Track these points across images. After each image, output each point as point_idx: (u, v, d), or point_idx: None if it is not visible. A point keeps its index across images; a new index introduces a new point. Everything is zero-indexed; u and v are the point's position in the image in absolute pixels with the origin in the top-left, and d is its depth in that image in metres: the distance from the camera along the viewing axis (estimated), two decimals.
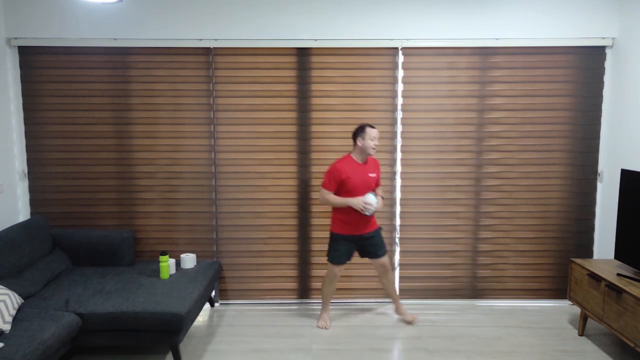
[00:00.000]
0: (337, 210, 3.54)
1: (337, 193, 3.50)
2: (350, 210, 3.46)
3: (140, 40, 3.83)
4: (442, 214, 4.06)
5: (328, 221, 4.05)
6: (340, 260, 3.59)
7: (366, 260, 4.06)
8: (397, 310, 3.83)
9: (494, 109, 3.97)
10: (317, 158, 3.99)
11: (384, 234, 4.08)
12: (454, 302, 4.13)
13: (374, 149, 3.43)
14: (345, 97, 3.95)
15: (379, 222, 4.07)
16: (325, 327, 3.68)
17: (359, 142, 3.44)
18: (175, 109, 3.95)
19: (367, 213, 3.40)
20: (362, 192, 3.45)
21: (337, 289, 4.08)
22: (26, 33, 3.81)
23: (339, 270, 3.64)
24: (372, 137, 3.42)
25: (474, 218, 4.07)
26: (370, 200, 3.38)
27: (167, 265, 3.55)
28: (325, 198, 3.49)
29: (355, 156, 3.49)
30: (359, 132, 3.46)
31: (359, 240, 3.57)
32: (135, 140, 3.97)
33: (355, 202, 3.40)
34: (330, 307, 4.03)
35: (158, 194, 4.02)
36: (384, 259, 3.65)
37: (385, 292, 3.86)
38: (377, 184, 3.60)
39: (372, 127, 3.44)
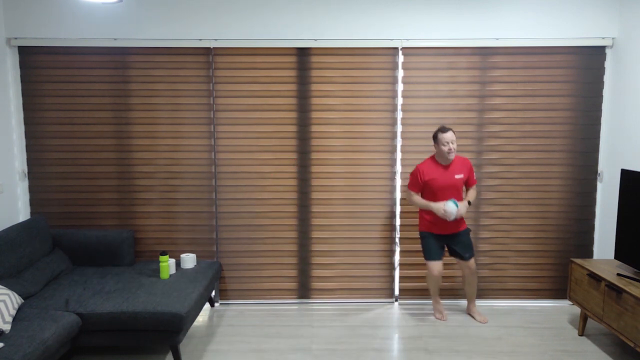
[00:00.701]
0: (424, 210, 3.64)
1: (423, 193, 3.61)
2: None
3: (140, 40, 3.83)
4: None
5: (328, 222, 4.05)
6: (431, 255, 3.66)
7: (366, 260, 4.07)
8: (469, 310, 3.88)
9: (494, 109, 3.97)
10: (317, 158, 3.99)
11: (384, 235, 4.10)
12: (454, 302, 4.13)
13: (449, 152, 3.46)
14: (345, 97, 3.95)
15: (378, 220, 4.08)
16: (441, 319, 3.79)
17: (436, 148, 3.53)
18: (175, 109, 3.95)
19: (447, 219, 3.47)
20: (448, 193, 3.52)
21: (338, 289, 4.08)
22: (26, 33, 3.81)
23: (435, 265, 3.65)
24: (444, 142, 3.47)
25: (474, 218, 4.07)
26: (450, 209, 3.42)
27: (167, 265, 3.55)
28: (411, 199, 3.64)
29: (437, 159, 3.57)
30: (434, 138, 3.55)
31: (445, 239, 3.66)
32: (135, 140, 3.97)
33: (436, 207, 3.49)
34: (330, 307, 4.04)
35: (158, 194, 4.02)
36: (471, 262, 3.68)
37: (464, 292, 3.92)
38: (469, 184, 3.66)
39: (444, 131, 3.47)
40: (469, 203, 3.57)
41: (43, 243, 3.61)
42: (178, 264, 3.82)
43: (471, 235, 4.08)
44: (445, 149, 3.46)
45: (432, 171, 3.55)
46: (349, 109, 3.95)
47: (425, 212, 3.65)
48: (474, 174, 3.69)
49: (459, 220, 3.63)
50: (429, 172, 3.55)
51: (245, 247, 4.08)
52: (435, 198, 3.56)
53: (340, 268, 4.10)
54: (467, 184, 3.67)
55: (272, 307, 4.07)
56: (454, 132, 3.56)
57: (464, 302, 4.11)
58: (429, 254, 3.67)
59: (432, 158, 3.60)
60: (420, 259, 4.10)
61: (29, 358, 2.46)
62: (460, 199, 3.59)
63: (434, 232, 3.64)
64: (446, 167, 3.55)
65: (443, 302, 4.12)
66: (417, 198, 3.60)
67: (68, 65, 3.89)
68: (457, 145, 3.99)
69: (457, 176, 3.54)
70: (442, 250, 3.69)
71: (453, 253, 3.72)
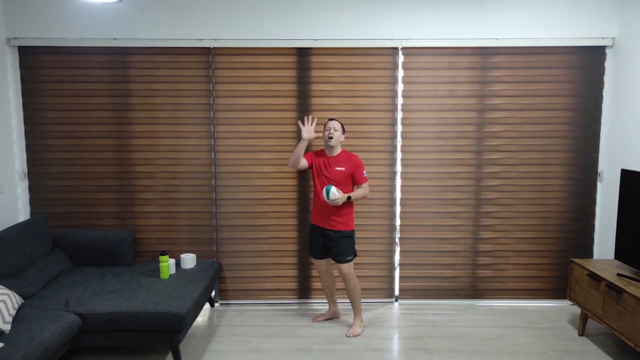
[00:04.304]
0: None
1: (313, 180, 3.56)
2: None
3: (140, 40, 3.83)
4: (442, 214, 4.06)
5: None
6: (310, 251, 3.71)
7: (366, 260, 4.08)
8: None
9: (494, 109, 3.97)
10: None
11: (384, 235, 4.10)
12: (454, 302, 4.13)
13: (328, 137, 3.44)
14: (345, 97, 3.95)
15: (378, 220, 4.08)
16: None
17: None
18: (175, 109, 3.95)
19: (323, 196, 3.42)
20: (321, 182, 3.46)
21: (338, 289, 4.08)
22: (26, 33, 3.81)
23: (316, 263, 3.71)
24: (326, 127, 3.48)
25: (474, 218, 4.07)
26: (326, 189, 3.38)
27: (167, 265, 3.55)
28: (294, 152, 3.52)
29: (325, 150, 3.54)
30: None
31: (324, 234, 3.56)
32: (135, 140, 3.97)
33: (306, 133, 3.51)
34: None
35: (158, 194, 4.02)
36: (342, 266, 3.55)
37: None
38: (357, 181, 3.49)
39: (330, 119, 3.51)
40: (349, 198, 3.42)
41: (43, 243, 3.61)
42: (178, 264, 3.82)
43: (471, 235, 4.08)
44: (326, 133, 3.44)
45: (319, 156, 3.53)
46: (349, 109, 3.95)
47: (313, 199, 3.60)
48: (363, 172, 3.49)
49: (333, 217, 3.47)
50: (319, 154, 3.55)
51: (245, 247, 4.08)
52: (316, 187, 3.49)
53: (334, 268, 4.09)
54: (356, 181, 3.50)
55: (272, 307, 4.07)
56: (341, 124, 3.50)
57: (463, 302, 4.11)
58: (309, 250, 3.68)
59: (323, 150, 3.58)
60: (421, 259, 4.11)
61: (29, 358, 2.46)
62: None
63: (313, 222, 3.58)
64: (330, 157, 3.49)
65: (444, 302, 4.13)
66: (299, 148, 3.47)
67: (68, 65, 3.89)
68: (458, 145, 4.00)
69: (337, 168, 3.45)
70: (318, 247, 3.58)
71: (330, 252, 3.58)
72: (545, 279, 4.13)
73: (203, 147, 3.99)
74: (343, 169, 3.45)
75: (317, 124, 3.62)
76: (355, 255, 3.57)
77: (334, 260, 3.55)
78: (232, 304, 4.12)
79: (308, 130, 3.46)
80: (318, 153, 3.57)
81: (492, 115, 3.98)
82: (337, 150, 3.50)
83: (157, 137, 3.97)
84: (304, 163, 3.49)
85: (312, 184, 4.01)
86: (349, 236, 3.51)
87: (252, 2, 3.82)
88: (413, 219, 4.07)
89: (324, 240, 3.55)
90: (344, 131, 3.53)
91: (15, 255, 3.31)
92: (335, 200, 3.35)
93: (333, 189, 3.36)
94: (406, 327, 3.69)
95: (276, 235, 4.07)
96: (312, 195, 4.02)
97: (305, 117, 3.46)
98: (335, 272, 3.74)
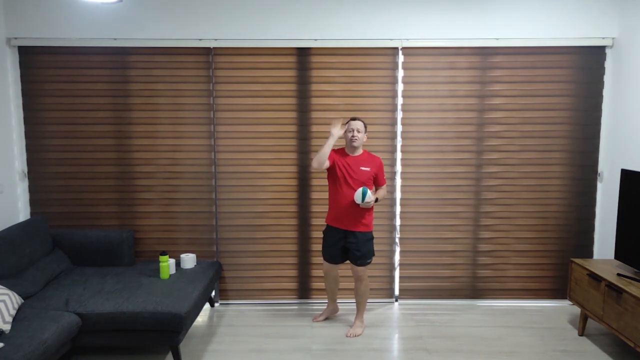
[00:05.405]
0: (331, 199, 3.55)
1: (328, 180, 3.51)
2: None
3: (140, 40, 3.83)
4: (442, 214, 4.06)
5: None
6: (324, 255, 3.65)
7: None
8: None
9: (494, 109, 3.97)
10: None
11: (384, 235, 4.10)
12: (454, 302, 4.13)
13: (352, 139, 3.41)
14: (345, 97, 3.95)
15: (378, 220, 4.08)
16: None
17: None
18: (175, 109, 3.95)
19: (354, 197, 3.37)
20: (353, 184, 3.40)
21: (338, 289, 4.08)
22: (26, 33, 3.81)
23: (326, 267, 3.68)
24: (349, 128, 3.43)
25: (474, 218, 4.07)
26: (360, 191, 3.33)
27: (167, 265, 3.55)
28: (320, 151, 3.41)
29: (346, 149, 3.51)
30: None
31: (344, 237, 3.52)
32: (135, 140, 3.97)
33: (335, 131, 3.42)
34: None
35: (158, 194, 4.02)
36: (359, 269, 3.54)
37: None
38: (378, 183, 3.52)
39: (353, 119, 3.47)
40: (376, 200, 3.41)
41: (43, 243, 3.61)
42: (178, 264, 3.82)
43: (471, 235, 4.08)
44: (349, 135, 3.41)
45: (341, 155, 3.47)
46: (349, 109, 3.95)
47: (330, 201, 3.52)
48: (384, 174, 3.54)
49: (360, 220, 3.44)
50: (340, 153, 3.48)
51: (245, 247, 4.08)
52: (339, 187, 3.42)
53: (340, 268, 4.09)
54: (377, 182, 3.52)
55: (272, 307, 4.07)
56: (364, 123, 3.47)
57: (463, 302, 4.11)
58: (323, 253, 3.61)
59: (343, 149, 3.54)
60: (421, 259, 4.11)
61: (29, 358, 2.46)
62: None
63: (332, 224, 3.50)
64: (353, 157, 3.45)
65: (444, 302, 4.13)
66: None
67: (68, 65, 3.89)
68: (458, 145, 4.00)
69: (362, 168, 3.42)
70: (338, 251, 3.52)
71: (348, 253, 3.53)
72: (545, 279, 4.13)
73: (203, 147, 3.99)
74: (368, 169, 3.44)
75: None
76: (373, 256, 3.56)
77: (354, 263, 3.51)
78: (232, 304, 4.12)
79: (337, 127, 3.39)
80: (339, 152, 3.51)
81: (492, 115, 3.98)
82: (360, 151, 3.49)
83: (157, 137, 3.97)
84: (326, 163, 3.40)
85: (312, 184, 4.01)
86: (371, 238, 3.51)
87: (252, 2, 3.82)
88: (413, 219, 4.07)
89: (344, 244, 3.50)
90: (366, 130, 3.49)
91: (15, 255, 3.31)
92: (368, 202, 3.33)
93: (369, 191, 3.33)
94: (406, 327, 3.69)
95: (276, 235, 4.07)
96: (313, 195, 4.03)
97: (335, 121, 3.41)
98: (341, 272, 3.74)
